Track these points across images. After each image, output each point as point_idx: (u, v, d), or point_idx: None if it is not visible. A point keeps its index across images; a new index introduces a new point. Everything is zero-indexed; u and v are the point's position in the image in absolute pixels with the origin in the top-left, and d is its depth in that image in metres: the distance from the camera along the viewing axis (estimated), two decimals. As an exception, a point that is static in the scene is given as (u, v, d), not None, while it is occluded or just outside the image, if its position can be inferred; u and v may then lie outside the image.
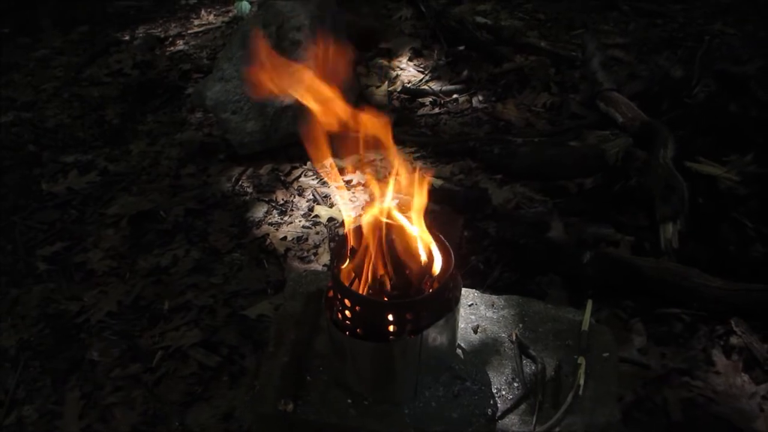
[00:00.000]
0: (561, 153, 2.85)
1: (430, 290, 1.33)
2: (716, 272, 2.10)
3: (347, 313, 1.30)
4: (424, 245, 1.38)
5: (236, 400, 1.91)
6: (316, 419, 1.38)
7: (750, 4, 4.60)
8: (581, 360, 1.48)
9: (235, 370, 2.02)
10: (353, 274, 1.38)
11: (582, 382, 1.44)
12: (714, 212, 2.43)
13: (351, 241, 1.39)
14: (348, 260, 1.39)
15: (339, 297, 1.31)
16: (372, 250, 1.35)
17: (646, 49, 4.04)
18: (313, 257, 2.46)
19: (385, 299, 1.35)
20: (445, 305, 1.33)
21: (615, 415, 1.40)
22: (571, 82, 3.57)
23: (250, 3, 4.06)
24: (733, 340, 1.98)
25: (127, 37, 4.64)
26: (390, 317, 1.28)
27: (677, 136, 2.88)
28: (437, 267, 1.35)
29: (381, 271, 1.35)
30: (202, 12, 5.04)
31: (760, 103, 3.16)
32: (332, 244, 2.48)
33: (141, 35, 4.66)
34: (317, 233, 2.58)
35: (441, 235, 1.40)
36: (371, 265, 1.35)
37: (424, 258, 1.38)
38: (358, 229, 1.38)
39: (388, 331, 1.30)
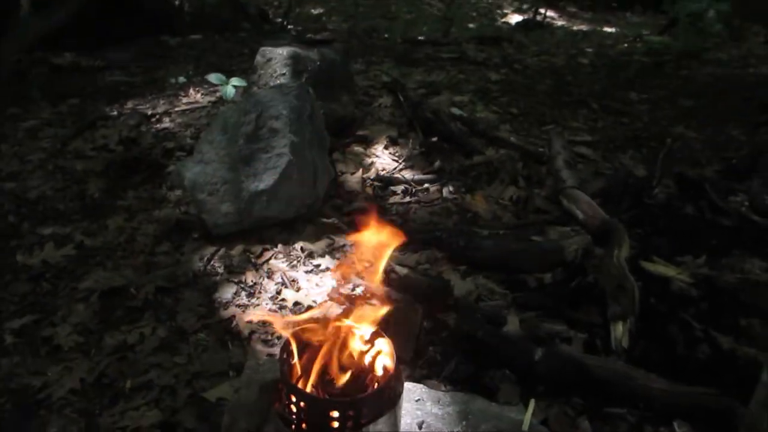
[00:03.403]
0: (523, 248, 2.97)
1: (373, 388, 1.41)
2: (664, 372, 2.18)
3: (293, 407, 1.37)
4: (370, 345, 1.47)
5: (188, 484, 1.94)
6: None
7: (710, 109, 4.87)
8: (519, 459, 1.55)
9: (190, 455, 2.05)
10: (301, 371, 1.45)
11: (518, 481, 1.50)
12: (664, 313, 2.53)
13: (301, 339, 1.47)
14: (297, 357, 1.46)
15: (285, 392, 1.38)
16: (320, 348, 1.43)
17: (612, 147, 4.25)
18: (276, 341, 2.51)
19: (328, 396, 1.42)
20: (386, 403, 1.40)
21: None
22: (537, 177, 3.73)
23: (235, 87, 4.24)
24: (676, 442, 2.04)
25: (115, 112, 4.79)
26: (333, 414, 1.35)
27: (635, 234, 3.02)
28: (380, 367, 1.43)
29: (327, 369, 1.43)
30: (191, 90, 5.23)
31: (714, 207, 3.33)
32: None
33: (129, 110, 4.81)
34: (283, 317, 2.64)
35: (387, 335, 1.48)
36: (318, 363, 1.42)
37: (368, 358, 1.46)
38: (308, 328, 1.46)
39: (331, 427, 1.36)
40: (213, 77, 4.29)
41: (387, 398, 1.40)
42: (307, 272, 2.91)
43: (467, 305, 2.59)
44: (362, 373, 1.45)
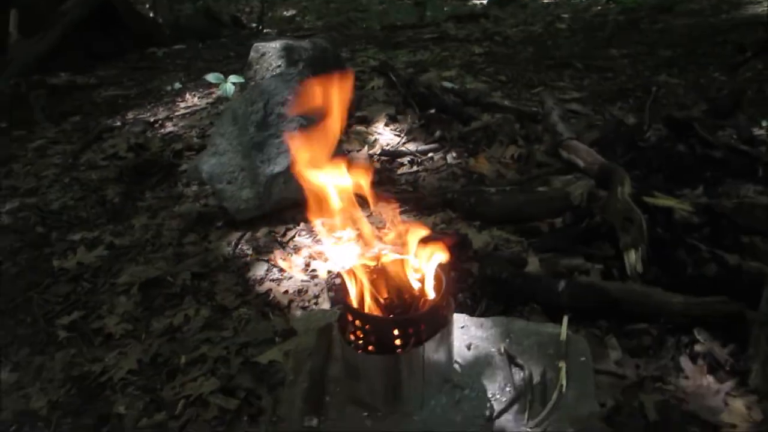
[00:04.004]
0: (531, 198, 3.14)
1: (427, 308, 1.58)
2: (677, 291, 2.36)
3: (359, 333, 1.54)
4: (420, 273, 1.63)
5: (257, 435, 2.10)
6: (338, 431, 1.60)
7: (689, 56, 5.06)
8: (562, 364, 1.72)
9: (253, 411, 2.20)
10: (361, 299, 1.62)
11: (564, 382, 1.67)
12: (671, 239, 2.70)
13: (357, 274, 1.63)
14: (356, 289, 1.63)
15: (351, 319, 1.54)
16: (375, 279, 1.60)
17: (600, 101, 4.43)
18: (314, 306, 2.68)
19: (390, 317, 1.59)
20: (440, 321, 1.57)
21: (595, 408, 1.63)
22: (534, 134, 3.91)
23: (234, 84, 4.38)
24: (698, 347, 2.22)
25: (118, 123, 4.93)
26: (395, 332, 1.52)
27: (633, 175, 3.19)
28: (430, 290, 1.60)
29: (385, 296, 1.59)
30: (187, 95, 5.38)
31: (704, 142, 3.51)
32: (331, 294, 2.71)
33: (131, 120, 4.96)
34: (316, 285, 2.80)
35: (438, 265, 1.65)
36: (377, 291, 1.59)
37: (419, 283, 1.63)
38: (363, 264, 1.63)
39: (395, 345, 1.53)
40: (211, 77, 4.43)
41: (440, 317, 1.57)
42: (332, 244, 3.06)
43: (488, 253, 2.76)
44: (416, 297, 1.62)
